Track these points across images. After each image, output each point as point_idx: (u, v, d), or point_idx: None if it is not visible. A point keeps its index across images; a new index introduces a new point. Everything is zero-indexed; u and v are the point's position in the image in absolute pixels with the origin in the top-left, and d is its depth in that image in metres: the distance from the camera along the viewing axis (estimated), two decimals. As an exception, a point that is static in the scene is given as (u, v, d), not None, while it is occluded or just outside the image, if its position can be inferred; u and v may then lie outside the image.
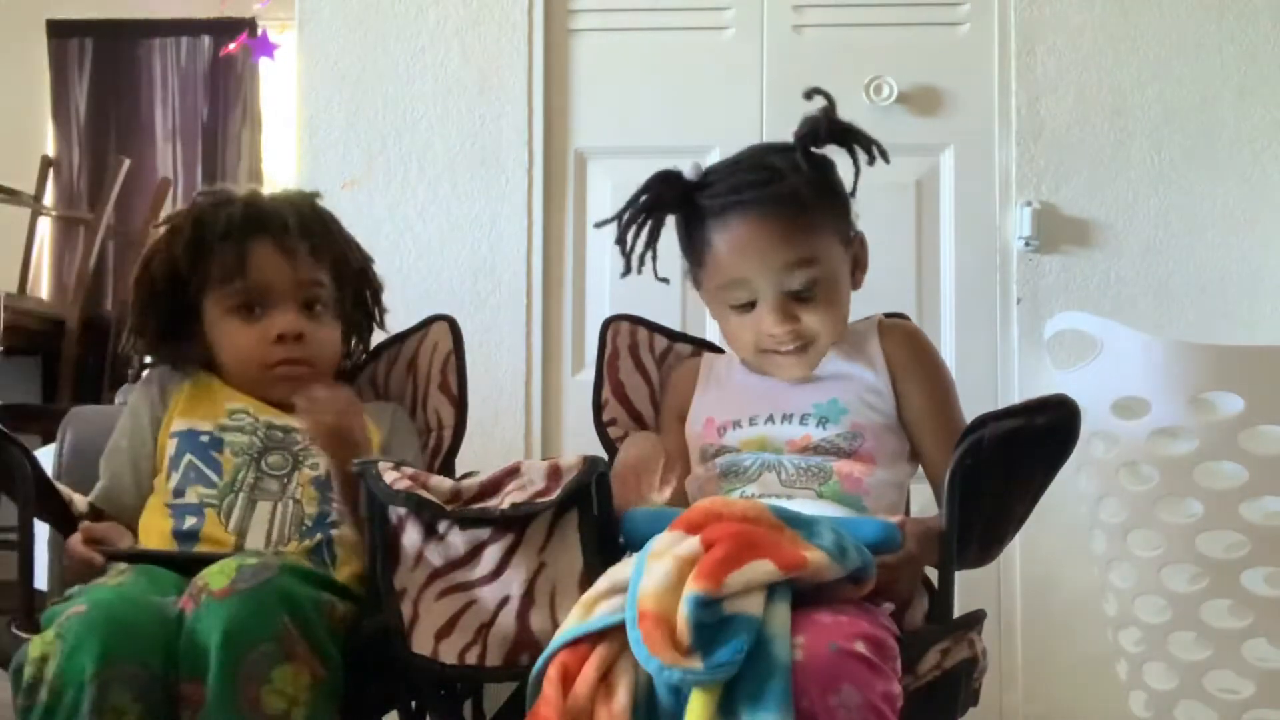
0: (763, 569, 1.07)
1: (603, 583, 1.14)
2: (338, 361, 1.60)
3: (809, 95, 1.45)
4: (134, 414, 1.54)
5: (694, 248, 1.46)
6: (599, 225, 1.51)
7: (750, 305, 1.43)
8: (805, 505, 1.28)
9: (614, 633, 1.08)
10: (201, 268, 1.51)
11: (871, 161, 1.44)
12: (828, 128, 1.43)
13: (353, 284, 1.62)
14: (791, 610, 1.09)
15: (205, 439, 1.47)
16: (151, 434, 1.51)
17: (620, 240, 1.47)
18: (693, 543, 1.10)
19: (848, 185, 1.47)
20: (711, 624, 1.04)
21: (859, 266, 1.49)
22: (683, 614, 1.04)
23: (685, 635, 1.03)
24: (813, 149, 1.43)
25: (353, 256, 1.62)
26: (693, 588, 1.04)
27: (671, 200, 1.46)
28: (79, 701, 1.10)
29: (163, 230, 1.58)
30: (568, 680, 1.07)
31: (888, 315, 1.62)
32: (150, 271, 1.54)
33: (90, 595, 1.19)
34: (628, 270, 1.48)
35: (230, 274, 1.50)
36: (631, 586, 1.09)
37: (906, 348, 1.48)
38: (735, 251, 1.41)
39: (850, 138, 1.44)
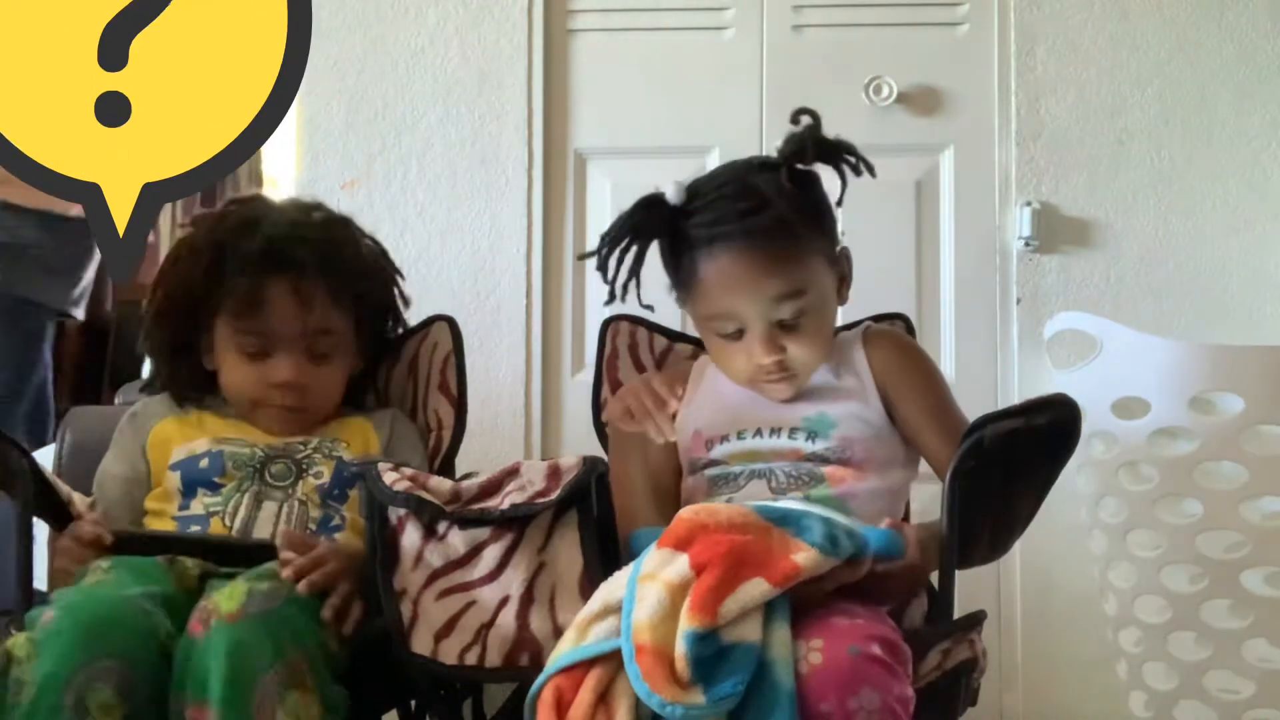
0: (757, 589, 1.07)
1: (595, 603, 1.14)
2: (341, 395, 1.57)
3: (795, 118, 1.41)
4: (121, 440, 1.53)
5: (680, 275, 1.43)
6: (581, 258, 1.47)
7: (738, 333, 1.41)
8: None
9: (608, 655, 1.08)
10: (216, 295, 1.49)
11: (859, 174, 1.43)
12: (815, 148, 1.40)
13: (372, 318, 1.60)
14: (803, 612, 1.10)
15: (205, 463, 1.46)
16: (143, 457, 1.51)
17: (602, 268, 1.44)
18: (682, 565, 1.09)
19: (833, 195, 1.44)
20: (711, 655, 1.04)
21: (845, 283, 1.46)
22: (680, 650, 1.03)
23: (685, 670, 1.03)
24: (799, 166, 1.41)
25: (375, 288, 1.58)
26: (689, 624, 1.04)
27: (657, 227, 1.42)
28: (59, 707, 1.10)
29: (186, 240, 1.54)
30: (562, 705, 1.07)
31: (885, 316, 1.62)
32: (166, 283, 1.53)
33: (59, 601, 1.18)
34: (611, 299, 1.45)
35: (242, 313, 1.47)
36: (625, 616, 1.08)
37: (893, 356, 1.47)
38: (722, 285, 1.38)
39: (838, 155, 1.42)
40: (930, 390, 1.46)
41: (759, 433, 1.44)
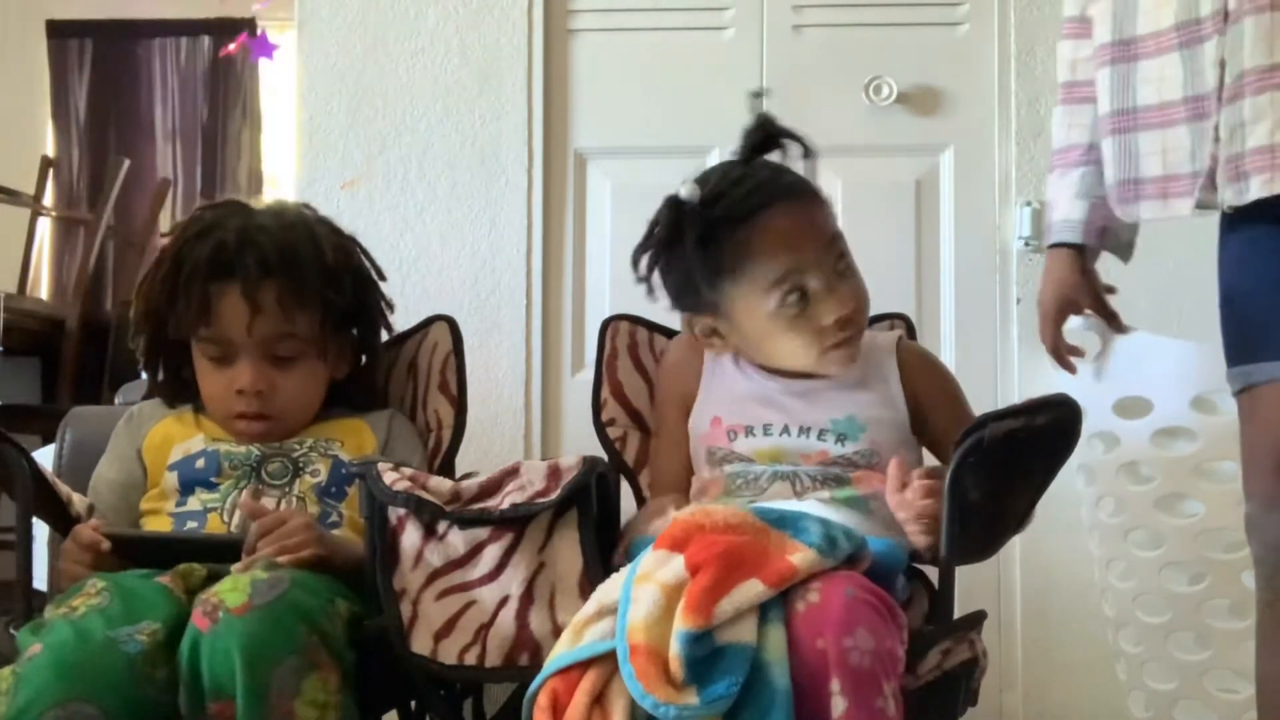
0: (752, 590, 1.07)
1: (590, 606, 1.14)
2: (317, 401, 1.55)
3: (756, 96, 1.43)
4: (117, 444, 1.54)
5: (721, 263, 1.38)
6: (639, 268, 1.44)
7: (802, 299, 1.37)
8: (813, 508, 1.26)
9: (604, 657, 1.08)
10: (176, 307, 1.48)
11: (807, 157, 1.44)
12: (778, 131, 1.42)
13: (348, 321, 1.57)
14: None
15: (201, 462, 1.47)
16: (138, 461, 1.51)
17: (644, 280, 1.43)
18: (678, 566, 1.09)
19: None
20: (705, 656, 1.04)
21: None
22: (674, 651, 1.04)
23: (678, 671, 1.03)
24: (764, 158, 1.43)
25: (345, 291, 1.53)
26: (683, 624, 1.04)
27: (693, 223, 1.37)
28: None
29: (162, 248, 1.54)
30: (558, 708, 1.07)
31: (884, 316, 1.62)
32: (141, 291, 1.53)
33: (50, 634, 1.18)
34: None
35: (198, 320, 1.47)
36: (620, 616, 1.08)
37: (925, 371, 1.49)
38: (781, 241, 1.36)
39: (790, 136, 1.43)
40: (958, 407, 1.48)
41: (786, 430, 1.42)
